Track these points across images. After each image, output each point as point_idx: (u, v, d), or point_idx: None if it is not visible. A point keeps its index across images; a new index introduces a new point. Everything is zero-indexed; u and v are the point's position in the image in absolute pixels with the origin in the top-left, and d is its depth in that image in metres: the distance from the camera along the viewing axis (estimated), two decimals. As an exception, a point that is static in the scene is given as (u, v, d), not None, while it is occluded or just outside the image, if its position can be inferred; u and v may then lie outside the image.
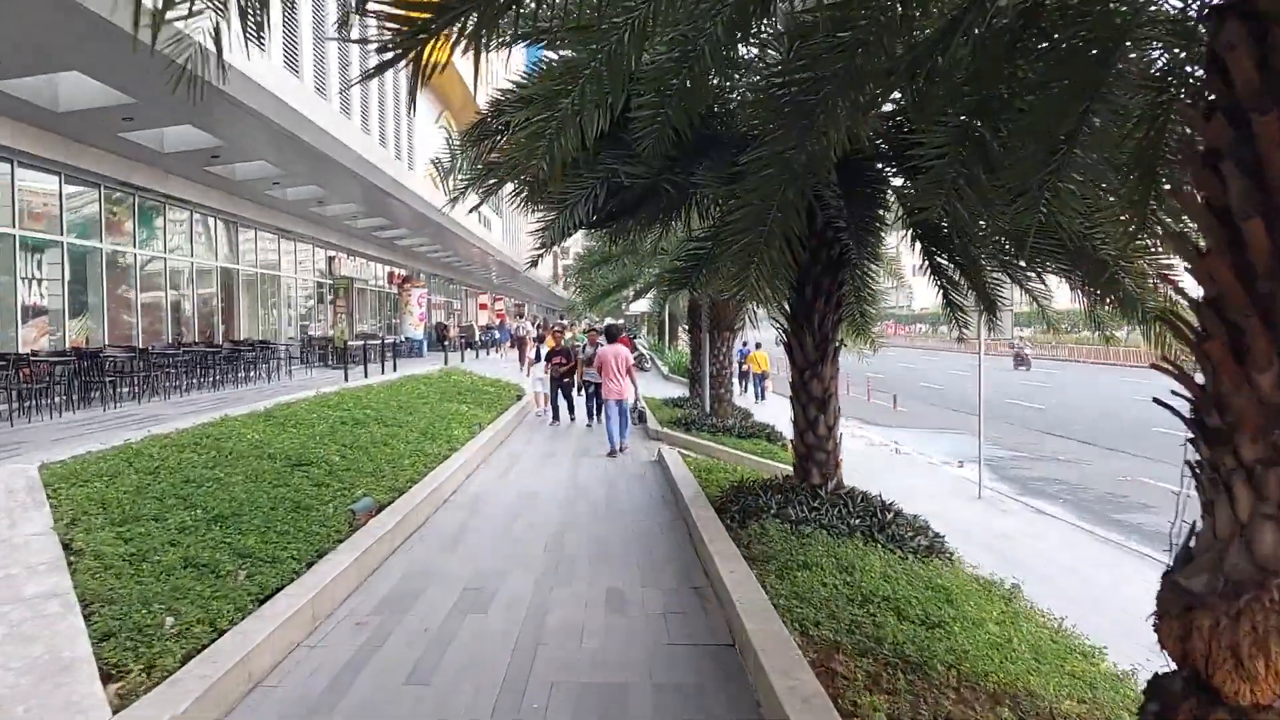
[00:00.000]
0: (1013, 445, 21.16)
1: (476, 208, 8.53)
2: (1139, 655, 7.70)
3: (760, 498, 7.90)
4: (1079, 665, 5.65)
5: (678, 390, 26.14)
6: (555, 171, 6.30)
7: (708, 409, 18.11)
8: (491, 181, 8.37)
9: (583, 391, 16.56)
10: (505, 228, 60.66)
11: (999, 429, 24.80)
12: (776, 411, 22.68)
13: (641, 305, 35.29)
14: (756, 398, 29.07)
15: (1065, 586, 9.32)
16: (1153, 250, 6.70)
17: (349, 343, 27.08)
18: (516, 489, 10.19)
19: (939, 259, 9.04)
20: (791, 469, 13.28)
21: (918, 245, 8.80)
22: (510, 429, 15.36)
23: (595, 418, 15.95)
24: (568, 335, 21.35)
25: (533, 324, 41.13)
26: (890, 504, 7.98)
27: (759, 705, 4.17)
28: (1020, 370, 47.19)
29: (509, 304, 70.70)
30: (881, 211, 7.63)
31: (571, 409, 16.72)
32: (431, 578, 6.37)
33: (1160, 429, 23.08)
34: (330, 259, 31.01)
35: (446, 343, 33.61)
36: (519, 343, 31.56)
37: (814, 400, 8.14)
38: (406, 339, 35.74)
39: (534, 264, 8.08)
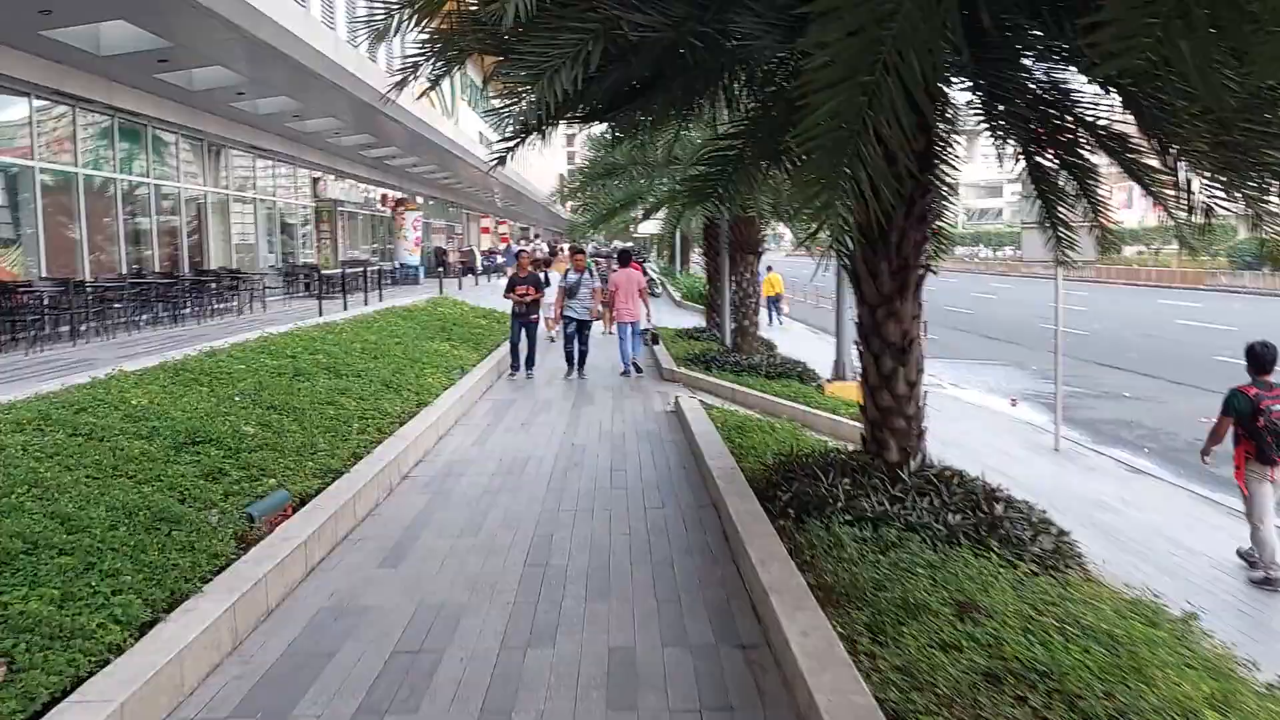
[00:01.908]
0: (1066, 379, 18.97)
1: (427, 92, 6.25)
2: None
3: (820, 481, 5.78)
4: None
5: (691, 319, 23.95)
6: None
7: (729, 342, 15.95)
8: (452, 53, 6.11)
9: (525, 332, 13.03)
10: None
11: (1042, 359, 22.70)
12: (794, 339, 20.51)
13: (651, 226, 32.93)
14: (770, 321, 26.99)
15: (1206, 583, 7.25)
16: None
17: (334, 271, 24.92)
18: (499, 456, 8.12)
19: (1042, 159, 6.76)
20: (837, 422, 11.24)
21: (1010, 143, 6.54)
22: (501, 371, 13.26)
23: (578, 368, 13.04)
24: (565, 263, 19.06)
25: (550, 247, 38.57)
26: (997, 489, 5.86)
27: None
28: None
29: (514, 227, 68.11)
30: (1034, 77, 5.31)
31: (531, 357, 13.15)
32: (351, 626, 4.31)
33: (1225, 357, 20.87)
34: (315, 180, 28.59)
35: (441, 269, 31.39)
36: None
37: (890, 348, 5.97)
38: (401, 265, 33.55)
39: (501, 162, 5.89)
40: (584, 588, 4.86)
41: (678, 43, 5.16)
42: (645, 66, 5.61)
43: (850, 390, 12.87)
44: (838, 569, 4.65)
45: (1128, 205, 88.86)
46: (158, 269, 19.57)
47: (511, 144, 5.48)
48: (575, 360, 13.04)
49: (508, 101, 4.93)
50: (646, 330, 14.77)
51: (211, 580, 4.30)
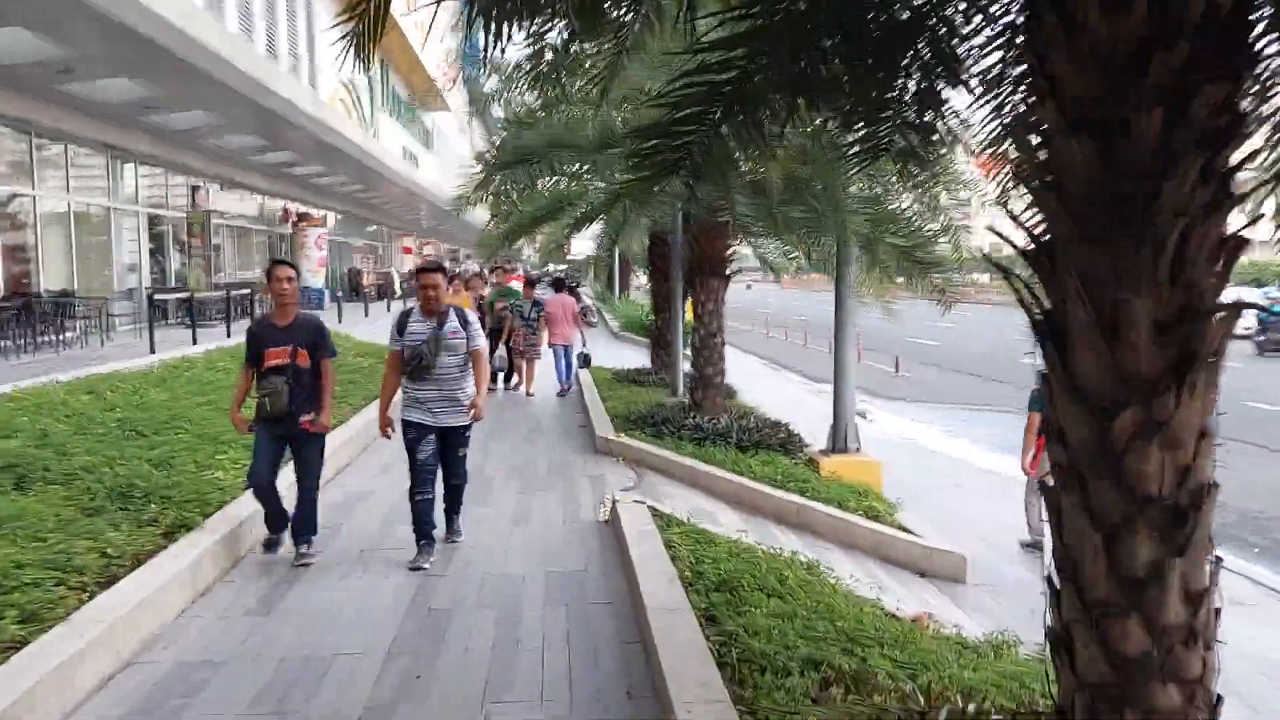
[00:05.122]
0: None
1: None
2: None
3: None
4: None
5: (632, 353, 20.30)
6: None
7: (681, 391, 12.38)
8: None
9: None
10: (440, 165, 53.79)
11: (1013, 397, 19.74)
12: (746, 376, 16.92)
13: (585, 246, 29.35)
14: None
15: None
16: None
17: (205, 295, 20.75)
18: (281, 651, 4.34)
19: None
20: (844, 523, 7.67)
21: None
22: (368, 442, 9.25)
23: (449, 531, 6.10)
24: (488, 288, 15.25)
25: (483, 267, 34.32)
26: None
27: None
28: None
29: (442, 248, 63.97)
30: None
31: (309, 515, 5.69)
32: None
33: (1259, 404, 17.96)
34: (194, 189, 24.35)
35: (341, 294, 27.47)
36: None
37: (1146, 507, 2.41)
38: (302, 288, 29.33)
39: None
40: None
41: None
42: None
43: (853, 467, 9.35)
44: None
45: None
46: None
47: None
48: (431, 520, 5.74)
49: None
50: (582, 353, 13.66)
51: None
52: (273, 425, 5.50)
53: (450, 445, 5.81)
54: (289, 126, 21.25)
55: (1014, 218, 2.87)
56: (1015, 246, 2.79)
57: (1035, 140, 2.85)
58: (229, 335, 16.36)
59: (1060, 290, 2.60)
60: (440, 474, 5.83)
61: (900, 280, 10.44)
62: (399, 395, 5.82)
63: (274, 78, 19.38)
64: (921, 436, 15.86)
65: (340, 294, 27.77)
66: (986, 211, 11.33)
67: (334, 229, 37.01)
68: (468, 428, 5.86)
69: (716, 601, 4.52)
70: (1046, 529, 2.92)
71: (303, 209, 31.89)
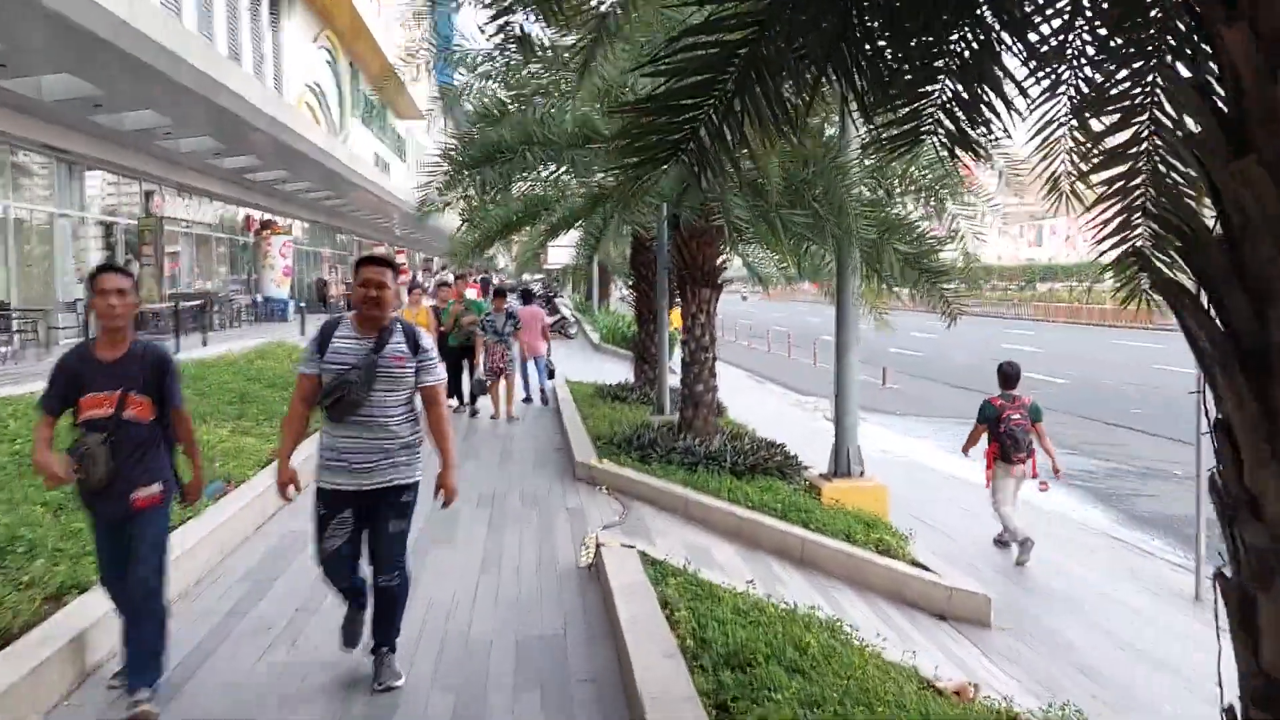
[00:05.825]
0: (1080, 446, 15.13)
1: None
2: None
3: None
4: None
5: (612, 366, 19.50)
6: None
7: (666, 407, 11.57)
8: None
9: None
10: (413, 173, 52.69)
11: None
12: (730, 389, 16.12)
13: (563, 255, 28.51)
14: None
15: None
16: None
17: (157, 306, 19.67)
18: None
19: None
20: (856, 560, 6.80)
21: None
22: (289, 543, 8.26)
23: (376, 661, 4.07)
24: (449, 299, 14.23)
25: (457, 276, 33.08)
26: None
27: None
28: None
29: (415, 257, 62.79)
30: None
31: (149, 649, 3.67)
32: None
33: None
34: (148, 194, 23.21)
35: (305, 304, 26.44)
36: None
37: None
38: (265, 299, 28.25)
39: None
40: None
41: None
42: None
43: (857, 494, 8.54)
44: None
45: (1036, 243, 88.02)
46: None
47: None
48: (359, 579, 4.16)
49: None
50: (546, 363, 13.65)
51: None
52: (98, 504, 3.71)
53: (379, 515, 3.96)
54: (246, 127, 20.22)
55: (1168, 206, 2.07)
56: (1176, 238, 1.98)
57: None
58: (177, 350, 15.34)
59: (1257, 298, 1.79)
60: (367, 565, 4.06)
61: (900, 291, 9.70)
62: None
63: (227, 73, 18.35)
64: (916, 452, 15.13)
65: (304, 305, 26.58)
66: (987, 217, 10.57)
67: (301, 238, 35.91)
68: (408, 489, 4.01)
69: (727, 683, 3.67)
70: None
71: (267, 217, 30.79)
